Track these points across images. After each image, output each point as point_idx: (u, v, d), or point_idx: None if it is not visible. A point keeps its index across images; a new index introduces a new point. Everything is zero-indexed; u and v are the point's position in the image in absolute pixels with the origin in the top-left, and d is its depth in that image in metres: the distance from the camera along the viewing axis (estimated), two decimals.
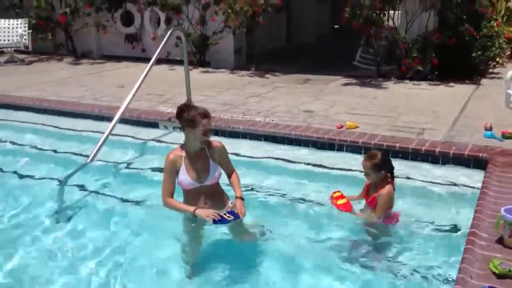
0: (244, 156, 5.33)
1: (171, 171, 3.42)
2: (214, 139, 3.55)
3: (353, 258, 3.46)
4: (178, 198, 3.48)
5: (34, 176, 5.07)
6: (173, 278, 3.38)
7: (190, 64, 8.48)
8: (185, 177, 3.40)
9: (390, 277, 3.23)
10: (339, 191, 3.84)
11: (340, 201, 3.71)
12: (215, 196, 3.52)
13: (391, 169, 3.71)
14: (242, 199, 3.44)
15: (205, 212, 3.27)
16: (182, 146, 3.48)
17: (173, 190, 3.45)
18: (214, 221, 3.21)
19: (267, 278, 3.32)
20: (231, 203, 3.51)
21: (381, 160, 3.62)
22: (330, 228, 3.85)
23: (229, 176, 3.63)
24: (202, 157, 3.45)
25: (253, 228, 3.75)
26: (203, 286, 3.31)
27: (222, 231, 3.65)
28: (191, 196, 3.46)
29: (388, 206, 3.65)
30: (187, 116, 3.33)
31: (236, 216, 3.27)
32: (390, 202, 3.65)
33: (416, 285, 3.15)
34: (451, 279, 3.00)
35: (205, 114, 3.36)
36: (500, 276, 2.70)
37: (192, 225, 3.43)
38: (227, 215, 3.25)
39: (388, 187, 3.61)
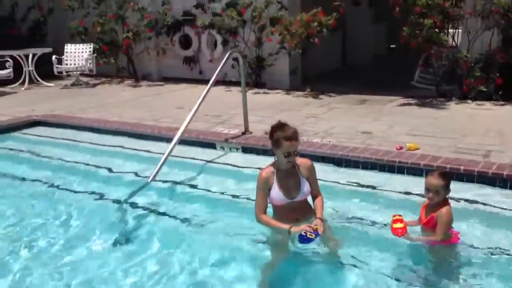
0: None
1: (264, 188, 3.58)
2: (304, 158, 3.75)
3: (419, 285, 3.32)
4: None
5: (97, 195, 5.22)
6: None
7: (246, 85, 8.55)
8: (277, 194, 3.56)
9: None
10: (399, 215, 3.70)
11: (396, 225, 3.53)
12: (304, 210, 3.66)
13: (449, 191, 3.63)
14: (322, 220, 3.54)
15: (301, 230, 3.34)
16: (274, 164, 3.64)
17: (266, 207, 3.61)
18: (301, 240, 3.29)
19: None
20: (315, 220, 3.56)
21: (449, 180, 3.57)
22: (390, 254, 3.72)
23: (314, 197, 3.74)
24: (292, 174, 3.61)
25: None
26: None
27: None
28: (281, 211, 3.61)
29: (450, 226, 3.54)
30: (274, 136, 3.53)
31: (317, 234, 3.34)
32: (451, 221, 3.54)
33: None
34: None
35: (289, 137, 3.48)
36: None
37: (290, 242, 3.55)
38: (309, 233, 3.33)
39: (448, 207, 3.53)
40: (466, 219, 4.05)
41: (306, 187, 3.63)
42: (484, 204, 4.48)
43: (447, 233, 3.54)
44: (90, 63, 11.92)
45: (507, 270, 3.45)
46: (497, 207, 4.43)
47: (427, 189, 3.54)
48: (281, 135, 3.49)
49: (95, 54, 12.05)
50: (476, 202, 4.50)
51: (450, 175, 3.62)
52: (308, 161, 3.74)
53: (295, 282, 3.47)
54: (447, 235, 3.54)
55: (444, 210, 3.49)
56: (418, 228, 3.71)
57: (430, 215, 3.56)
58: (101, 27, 11.89)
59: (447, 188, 3.53)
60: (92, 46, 12.05)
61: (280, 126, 3.57)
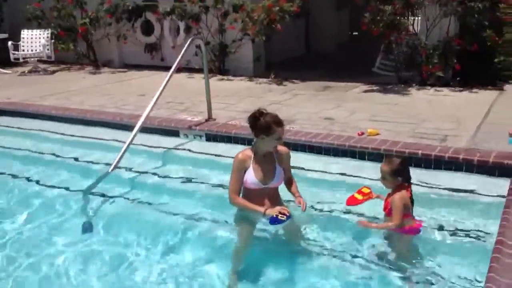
0: None
1: (239, 170, 3.59)
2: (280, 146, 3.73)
3: (373, 270, 3.40)
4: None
5: (56, 185, 5.11)
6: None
7: (210, 72, 8.53)
8: (251, 177, 3.58)
9: None
10: (367, 188, 3.82)
11: (357, 195, 3.75)
12: (274, 198, 3.71)
13: (408, 177, 3.60)
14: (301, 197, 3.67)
15: (275, 212, 3.41)
16: (252, 149, 3.66)
17: (240, 189, 3.64)
18: (272, 221, 3.37)
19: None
20: (296, 199, 3.68)
21: (399, 166, 3.52)
22: (348, 239, 3.81)
23: (288, 182, 3.81)
24: (269, 160, 3.64)
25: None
26: None
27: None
28: (252, 196, 3.64)
29: (403, 213, 3.46)
30: (263, 123, 3.51)
31: (288, 217, 3.39)
32: (403, 207, 3.45)
33: None
34: None
35: (280, 123, 3.54)
36: None
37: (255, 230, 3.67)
38: (281, 215, 3.38)
39: (401, 192, 3.49)
40: (425, 203, 4.14)
41: (280, 174, 3.69)
42: (441, 188, 4.62)
43: (403, 220, 3.46)
44: (48, 49, 11.57)
45: (466, 252, 3.55)
46: (453, 189, 4.57)
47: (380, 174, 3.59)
48: (272, 121, 3.52)
49: (53, 40, 11.70)
50: (433, 186, 4.64)
51: (399, 162, 3.53)
52: (286, 149, 3.80)
53: (264, 270, 3.49)
54: (407, 222, 3.49)
55: (396, 196, 3.47)
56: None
57: (387, 200, 3.62)
58: (58, 12, 11.54)
59: (395, 175, 3.48)
60: (49, 31, 11.69)
61: (265, 114, 3.57)
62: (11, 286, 3.41)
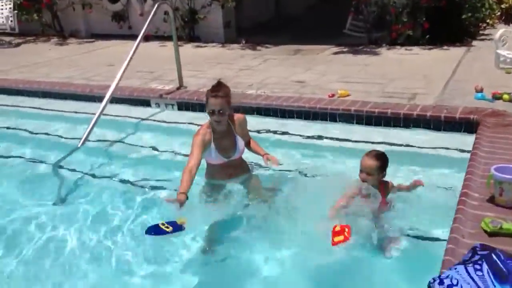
0: None
1: (199, 145, 3.44)
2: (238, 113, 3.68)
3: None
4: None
5: (27, 160, 5.04)
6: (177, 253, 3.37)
7: (180, 39, 8.38)
8: (213, 154, 3.52)
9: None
10: (339, 226, 3.13)
11: (337, 238, 3.10)
12: (238, 167, 3.70)
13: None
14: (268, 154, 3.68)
15: (177, 201, 3.16)
16: (209, 124, 3.54)
17: (196, 164, 3.38)
18: (148, 231, 2.96)
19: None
20: (264, 157, 3.68)
21: (386, 160, 3.28)
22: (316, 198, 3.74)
23: (248, 144, 3.78)
24: (228, 133, 3.57)
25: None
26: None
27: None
28: (215, 169, 3.62)
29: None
30: (206, 95, 3.49)
31: (176, 229, 2.98)
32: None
33: (409, 246, 3.20)
34: (443, 239, 3.03)
35: (214, 94, 3.42)
36: (492, 234, 2.74)
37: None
38: (166, 225, 2.99)
39: (391, 184, 3.37)
40: (395, 161, 4.20)
41: (241, 145, 3.63)
42: (410, 145, 4.72)
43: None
44: (11, 21, 11.18)
45: (432, 205, 3.58)
46: (421, 146, 4.68)
47: (360, 169, 3.23)
48: (208, 92, 3.46)
49: (16, 11, 11.29)
50: (402, 144, 4.73)
51: (386, 157, 3.29)
52: (241, 116, 3.69)
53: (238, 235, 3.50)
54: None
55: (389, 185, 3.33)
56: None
57: (382, 202, 3.31)
58: None
59: (382, 169, 3.25)
60: (12, 2, 11.27)
61: (213, 85, 3.51)
62: None
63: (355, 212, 3.25)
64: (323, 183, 4.06)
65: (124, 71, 5.75)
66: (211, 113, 3.46)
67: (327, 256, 3.04)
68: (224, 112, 3.47)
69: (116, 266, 3.26)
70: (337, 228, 3.07)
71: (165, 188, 4.16)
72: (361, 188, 3.28)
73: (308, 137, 5.13)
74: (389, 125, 5.07)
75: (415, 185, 3.50)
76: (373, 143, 4.65)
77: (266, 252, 3.28)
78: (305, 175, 4.28)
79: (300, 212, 3.55)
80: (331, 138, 5.02)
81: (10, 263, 3.34)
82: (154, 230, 2.96)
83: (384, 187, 3.35)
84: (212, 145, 3.52)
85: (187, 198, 3.18)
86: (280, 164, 3.76)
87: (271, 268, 3.15)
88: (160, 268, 3.20)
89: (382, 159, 3.25)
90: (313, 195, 3.76)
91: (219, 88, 3.47)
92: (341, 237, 3.06)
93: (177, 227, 2.95)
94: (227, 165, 3.63)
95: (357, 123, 5.26)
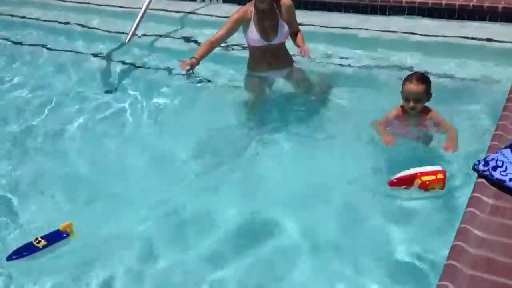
0: None
1: (232, 22, 3.41)
2: None
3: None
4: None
5: (73, 51, 5.24)
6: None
7: None
8: (253, 34, 3.42)
9: None
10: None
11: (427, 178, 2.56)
12: (279, 55, 3.58)
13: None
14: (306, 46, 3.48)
15: (185, 64, 3.30)
16: (252, 3, 3.42)
17: (219, 38, 3.45)
18: (10, 256, 2.41)
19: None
20: (299, 49, 3.50)
21: (429, 80, 2.90)
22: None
23: (294, 34, 3.62)
24: (271, 15, 3.41)
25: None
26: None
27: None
28: (256, 53, 3.55)
29: None
30: None
31: (54, 239, 2.49)
32: None
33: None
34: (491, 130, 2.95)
35: None
36: None
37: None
38: (39, 239, 2.46)
39: (434, 111, 2.94)
40: (451, 54, 4.17)
41: (284, 29, 3.48)
42: (466, 37, 4.55)
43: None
44: None
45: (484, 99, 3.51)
46: (478, 38, 4.49)
47: (406, 97, 2.85)
48: None
49: None
50: (457, 36, 4.58)
51: (427, 77, 2.91)
52: (287, 1, 3.51)
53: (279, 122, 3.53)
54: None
55: (433, 113, 2.91)
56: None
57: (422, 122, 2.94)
58: None
59: (429, 92, 2.87)
60: None
61: None
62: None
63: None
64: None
65: None
66: None
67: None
68: None
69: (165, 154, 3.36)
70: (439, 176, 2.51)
71: (210, 81, 4.21)
72: (407, 122, 2.93)
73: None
74: (442, 17, 4.91)
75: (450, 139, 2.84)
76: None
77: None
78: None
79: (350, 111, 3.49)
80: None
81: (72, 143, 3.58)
82: (19, 252, 2.43)
83: (426, 113, 2.93)
84: (252, 23, 3.41)
85: (198, 63, 3.32)
86: (310, 57, 3.56)
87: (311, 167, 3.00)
88: None
89: (427, 80, 2.86)
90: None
91: None
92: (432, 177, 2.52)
93: (57, 237, 2.50)
94: (267, 51, 3.51)
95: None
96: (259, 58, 3.57)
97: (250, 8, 3.44)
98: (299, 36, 3.63)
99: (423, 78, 2.83)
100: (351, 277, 2.20)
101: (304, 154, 3.14)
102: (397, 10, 5.12)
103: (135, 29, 5.18)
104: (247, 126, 3.48)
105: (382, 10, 5.21)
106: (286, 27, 3.49)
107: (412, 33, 4.74)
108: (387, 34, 4.80)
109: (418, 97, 2.81)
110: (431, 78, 2.95)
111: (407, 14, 5.07)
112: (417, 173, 2.55)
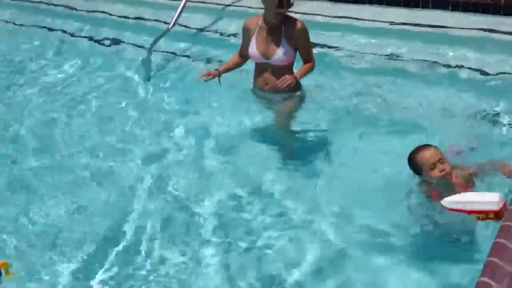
0: None
1: (244, 36, 3.26)
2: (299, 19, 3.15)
3: None
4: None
5: (115, 42, 5.43)
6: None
7: None
8: (253, 47, 3.15)
9: None
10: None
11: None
12: (278, 79, 3.05)
13: None
14: (296, 78, 3.08)
15: (203, 74, 3.26)
16: (262, 16, 3.17)
17: (242, 49, 3.31)
18: None
19: None
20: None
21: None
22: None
23: (304, 61, 3.23)
24: (275, 31, 3.09)
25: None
26: None
27: None
28: (256, 70, 3.29)
29: None
30: None
31: None
32: None
33: None
34: None
35: None
36: None
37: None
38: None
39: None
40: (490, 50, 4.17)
41: (287, 53, 3.09)
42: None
43: None
44: None
45: None
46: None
47: (430, 168, 2.43)
48: None
49: None
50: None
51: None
52: (300, 22, 3.12)
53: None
54: None
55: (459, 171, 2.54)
56: None
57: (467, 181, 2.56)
58: None
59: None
60: None
61: None
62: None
63: None
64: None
65: None
66: (270, 4, 3.01)
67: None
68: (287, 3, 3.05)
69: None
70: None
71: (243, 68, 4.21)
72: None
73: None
74: (488, 12, 4.80)
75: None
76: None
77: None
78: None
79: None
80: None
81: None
82: None
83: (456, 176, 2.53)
84: (256, 35, 3.14)
85: (220, 75, 3.25)
86: (282, 88, 3.03)
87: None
88: None
89: (435, 147, 2.50)
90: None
91: None
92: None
93: None
94: (265, 70, 3.18)
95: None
96: (257, 74, 3.27)
97: (259, 20, 3.17)
98: (304, 66, 3.21)
99: (430, 145, 2.50)
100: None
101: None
102: None
103: (178, 17, 5.25)
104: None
105: None
106: (290, 51, 3.11)
107: None
108: None
109: (441, 156, 2.44)
110: None
111: None
112: (472, 210, 2.22)
